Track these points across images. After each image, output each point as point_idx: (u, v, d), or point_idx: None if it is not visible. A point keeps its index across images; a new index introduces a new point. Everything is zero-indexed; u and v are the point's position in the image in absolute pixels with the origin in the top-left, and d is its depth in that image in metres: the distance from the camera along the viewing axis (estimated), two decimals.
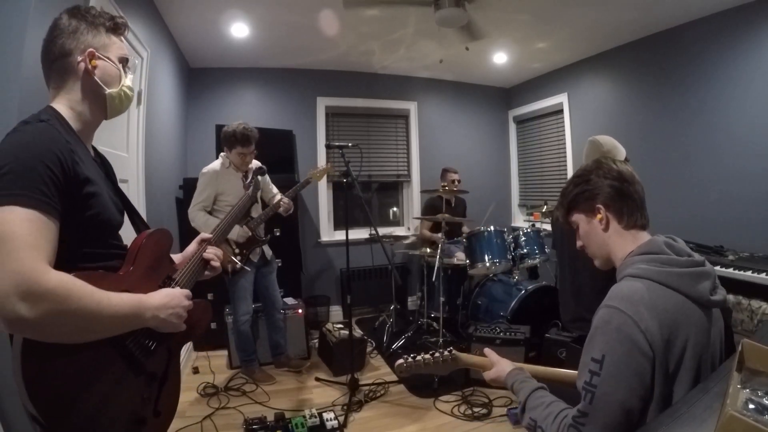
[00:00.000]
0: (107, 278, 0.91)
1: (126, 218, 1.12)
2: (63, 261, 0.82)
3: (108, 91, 0.99)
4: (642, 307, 0.84)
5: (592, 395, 0.84)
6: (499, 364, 1.19)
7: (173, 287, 1.09)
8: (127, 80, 1.04)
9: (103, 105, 1.00)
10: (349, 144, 2.79)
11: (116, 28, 1.02)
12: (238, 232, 2.68)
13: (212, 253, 1.27)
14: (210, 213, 2.72)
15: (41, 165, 0.79)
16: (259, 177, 1.62)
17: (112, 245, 1.00)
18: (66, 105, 0.96)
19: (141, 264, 1.01)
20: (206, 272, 1.27)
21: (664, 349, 0.83)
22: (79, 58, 0.95)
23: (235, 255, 2.68)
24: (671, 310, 0.86)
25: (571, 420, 0.87)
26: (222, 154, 2.81)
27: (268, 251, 2.96)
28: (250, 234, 2.72)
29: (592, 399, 0.84)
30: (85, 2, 1.77)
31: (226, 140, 2.72)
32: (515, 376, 1.12)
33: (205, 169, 2.75)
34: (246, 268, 2.74)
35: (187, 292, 1.05)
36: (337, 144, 2.77)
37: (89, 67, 0.96)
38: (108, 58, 0.99)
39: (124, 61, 1.04)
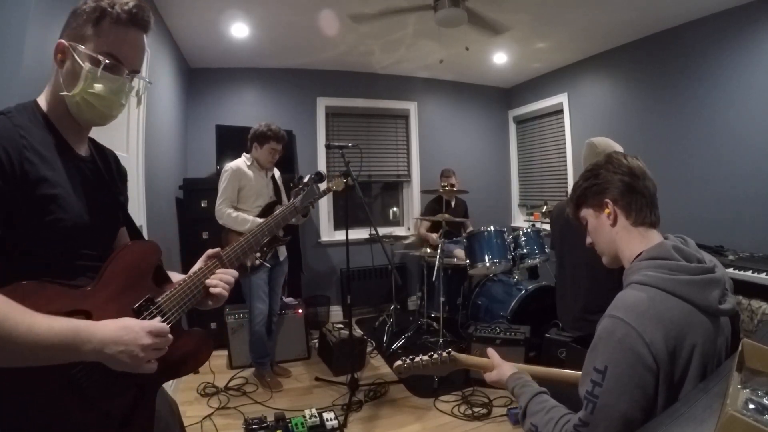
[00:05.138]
0: (51, 292, 0.77)
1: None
2: (22, 273, 0.74)
3: (63, 93, 0.84)
4: (647, 319, 0.83)
5: (594, 405, 0.84)
6: (500, 367, 1.18)
7: (149, 315, 0.88)
8: (95, 85, 0.83)
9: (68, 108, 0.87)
10: (349, 144, 2.79)
11: (100, 18, 0.83)
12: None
13: (218, 279, 0.99)
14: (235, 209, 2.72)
15: None
16: (316, 186, 1.35)
17: (83, 256, 0.86)
18: (45, 97, 0.88)
19: (110, 281, 0.85)
20: (209, 302, 1.01)
21: (669, 360, 0.82)
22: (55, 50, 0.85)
23: (255, 251, 2.68)
24: (677, 320, 0.85)
25: (572, 428, 0.87)
26: (244, 154, 2.84)
27: (282, 251, 2.97)
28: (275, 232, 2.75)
29: (593, 409, 0.84)
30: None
31: (257, 137, 2.78)
32: (516, 380, 1.11)
33: (227, 166, 2.77)
34: (265, 264, 2.74)
35: (157, 326, 0.82)
36: (337, 144, 2.77)
37: (56, 61, 0.85)
38: (77, 53, 0.83)
39: (97, 59, 0.83)
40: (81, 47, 0.83)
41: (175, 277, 1.02)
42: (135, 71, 0.91)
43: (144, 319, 0.87)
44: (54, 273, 0.80)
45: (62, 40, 0.84)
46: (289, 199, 2.90)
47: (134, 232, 1.03)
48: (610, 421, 0.82)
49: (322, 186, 1.40)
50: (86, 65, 0.83)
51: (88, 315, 0.80)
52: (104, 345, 0.74)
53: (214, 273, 1.01)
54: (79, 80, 0.83)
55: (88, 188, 0.90)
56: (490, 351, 1.25)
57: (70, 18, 0.86)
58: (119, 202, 1.01)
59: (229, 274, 1.02)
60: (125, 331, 0.77)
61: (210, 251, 1.04)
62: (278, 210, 1.23)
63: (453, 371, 1.28)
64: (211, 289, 0.97)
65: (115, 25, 0.84)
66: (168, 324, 0.89)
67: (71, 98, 0.84)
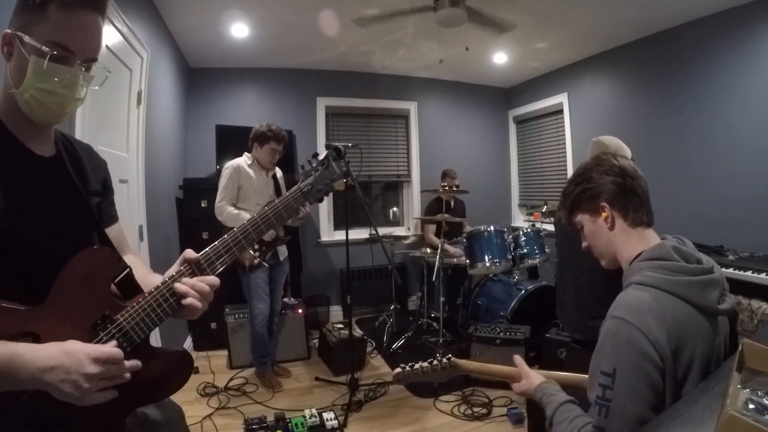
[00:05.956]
0: None
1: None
2: None
3: (11, 90, 0.76)
4: (650, 318, 0.83)
5: (607, 409, 0.83)
6: (528, 377, 1.16)
7: (107, 336, 0.76)
8: (41, 79, 0.73)
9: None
10: (349, 144, 2.79)
11: (46, 1, 0.72)
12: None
13: (189, 287, 0.82)
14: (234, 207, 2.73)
15: None
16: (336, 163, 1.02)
17: (42, 271, 0.75)
18: None
19: (61, 298, 0.75)
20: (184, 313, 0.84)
21: (673, 359, 0.82)
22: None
23: (254, 251, 2.69)
24: (678, 320, 0.85)
25: None
26: (245, 153, 2.86)
27: (283, 251, 2.98)
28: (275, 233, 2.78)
29: (607, 413, 0.83)
30: None
31: (257, 137, 2.79)
32: (543, 389, 1.09)
33: (228, 164, 2.78)
34: (264, 263, 2.76)
35: (105, 351, 0.70)
36: (337, 144, 2.78)
37: (3, 54, 0.76)
38: (23, 44, 0.73)
39: (41, 50, 0.72)
40: (26, 37, 0.73)
41: (155, 282, 0.88)
42: (90, 59, 0.80)
43: (100, 340, 0.76)
44: (5, 293, 0.72)
45: (8, 30, 0.74)
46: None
47: (103, 238, 0.92)
48: (626, 423, 0.81)
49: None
50: (32, 57, 0.73)
51: (35, 337, 0.71)
52: (43, 372, 0.65)
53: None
54: (25, 75, 0.73)
55: (47, 193, 0.82)
56: (517, 359, 1.21)
57: (17, 3, 0.75)
58: (88, 205, 0.90)
59: (205, 282, 0.83)
60: (66, 357, 0.66)
61: (187, 254, 0.85)
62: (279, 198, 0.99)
63: (454, 376, 1.27)
64: (184, 301, 0.81)
65: (63, 8, 0.73)
66: (131, 345, 0.79)
67: (20, 96, 0.75)
